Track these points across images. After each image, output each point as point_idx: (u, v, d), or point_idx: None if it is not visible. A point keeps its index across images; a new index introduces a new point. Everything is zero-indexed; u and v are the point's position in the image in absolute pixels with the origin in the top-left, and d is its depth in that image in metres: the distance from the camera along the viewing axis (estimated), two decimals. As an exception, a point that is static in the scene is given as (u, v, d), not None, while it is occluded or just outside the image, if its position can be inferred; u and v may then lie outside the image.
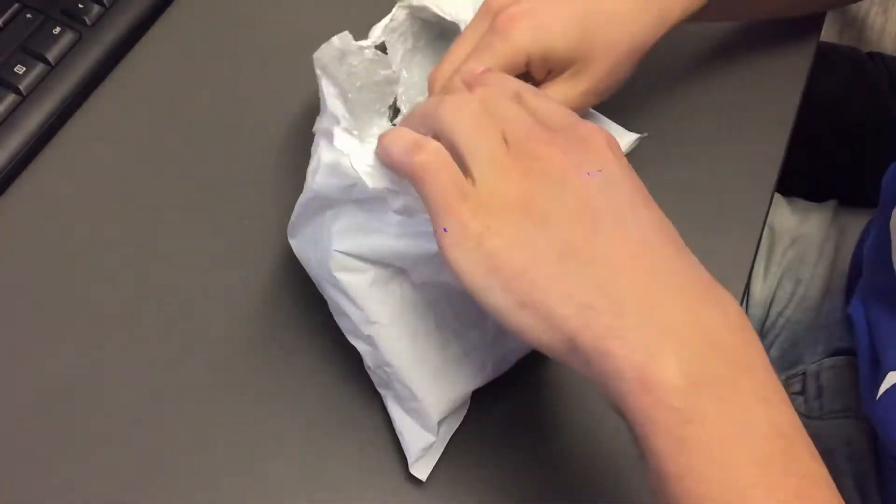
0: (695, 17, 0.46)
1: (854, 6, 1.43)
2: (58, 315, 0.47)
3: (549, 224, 0.32)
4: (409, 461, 0.42)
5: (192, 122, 0.53)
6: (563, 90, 0.42)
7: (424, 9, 0.48)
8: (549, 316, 0.31)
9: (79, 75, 0.52)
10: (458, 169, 0.33)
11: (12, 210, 0.49)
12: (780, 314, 0.61)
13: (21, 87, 0.51)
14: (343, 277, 0.39)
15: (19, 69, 0.51)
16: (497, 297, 0.32)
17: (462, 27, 0.46)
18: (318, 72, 0.39)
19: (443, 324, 0.40)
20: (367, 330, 0.40)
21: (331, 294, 0.41)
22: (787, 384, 0.58)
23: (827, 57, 0.73)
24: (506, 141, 0.34)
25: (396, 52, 0.49)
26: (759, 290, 0.62)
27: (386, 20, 0.47)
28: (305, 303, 0.46)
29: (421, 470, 0.42)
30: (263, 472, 0.43)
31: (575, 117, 0.35)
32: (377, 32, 0.47)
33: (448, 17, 0.47)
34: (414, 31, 0.49)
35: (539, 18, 0.41)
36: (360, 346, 0.41)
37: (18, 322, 0.46)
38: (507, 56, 0.40)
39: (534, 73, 0.42)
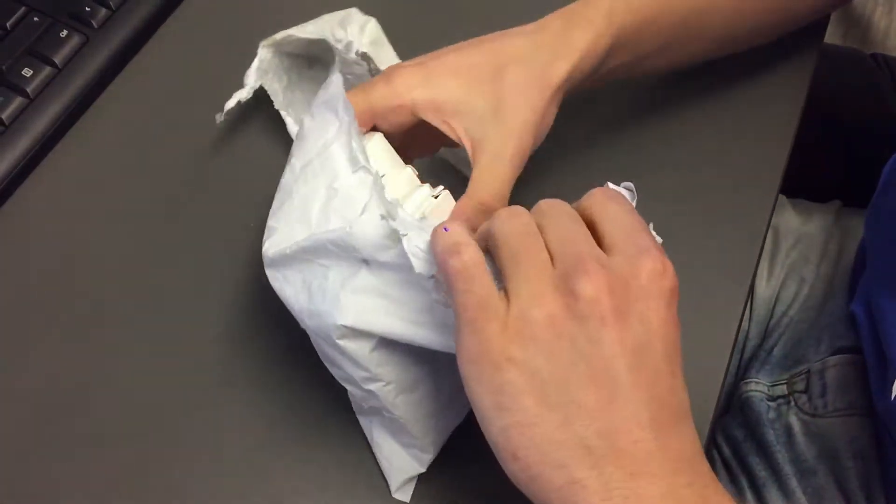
0: (612, 68, 0.45)
1: (860, 6, 1.43)
2: (60, 316, 0.47)
3: (569, 380, 0.30)
4: (392, 487, 0.42)
5: (198, 125, 0.54)
6: (493, 138, 0.40)
7: (288, 39, 0.48)
8: (537, 478, 0.31)
9: (85, 78, 0.53)
10: (492, 282, 0.32)
11: (20, 212, 0.50)
12: (784, 313, 0.62)
13: (28, 90, 0.51)
14: (346, 344, 0.37)
15: (26, 72, 0.51)
16: (495, 433, 0.31)
17: (330, 41, 0.46)
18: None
19: (437, 372, 0.40)
20: (366, 385, 0.39)
21: (324, 348, 0.39)
22: (791, 383, 0.58)
23: (830, 58, 0.73)
24: (553, 263, 0.32)
25: (276, 93, 0.50)
26: (764, 289, 0.63)
27: (255, 63, 0.47)
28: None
29: (404, 494, 0.43)
30: (264, 472, 0.44)
31: (643, 240, 0.33)
32: (251, 79, 0.48)
33: (313, 36, 0.47)
34: (285, 68, 0.49)
35: (427, 68, 0.40)
36: (354, 391, 0.40)
37: (22, 322, 0.47)
38: (388, 98, 0.40)
39: (434, 124, 0.41)
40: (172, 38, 0.56)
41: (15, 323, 0.47)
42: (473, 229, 0.35)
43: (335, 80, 0.39)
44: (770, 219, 0.52)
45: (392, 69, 0.41)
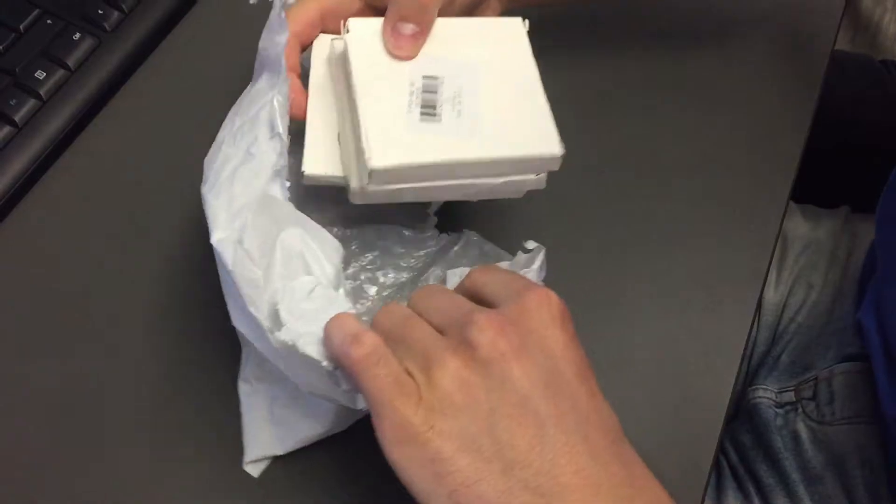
0: None
1: (868, 11, 1.43)
2: (72, 317, 0.47)
3: (495, 428, 0.31)
4: (246, 458, 0.43)
5: (211, 127, 0.54)
6: None
7: None
8: None
9: (98, 80, 0.53)
10: (397, 362, 0.33)
11: (33, 213, 0.50)
12: (791, 320, 0.62)
13: (41, 92, 0.51)
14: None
15: (40, 74, 0.52)
16: (444, 502, 0.31)
17: None
18: None
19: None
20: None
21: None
22: (799, 390, 0.58)
23: (840, 64, 0.73)
24: (441, 334, 0.33)
25: None
26: (772, 295, 0.63)
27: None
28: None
29: (255, 469, 0.43)
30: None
31: (520, 283, 0.34)
32: None
33: None
34: None
35: None
36: (264, 348, 0.39)
37: (31, 325, 0.47)
38: None
39: None
40: (184, 41, 0.57)
41: (26, 325, 0.47)
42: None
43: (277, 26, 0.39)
44: (781, 225, 0.52)
45: None
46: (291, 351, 0.36)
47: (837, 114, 0.69)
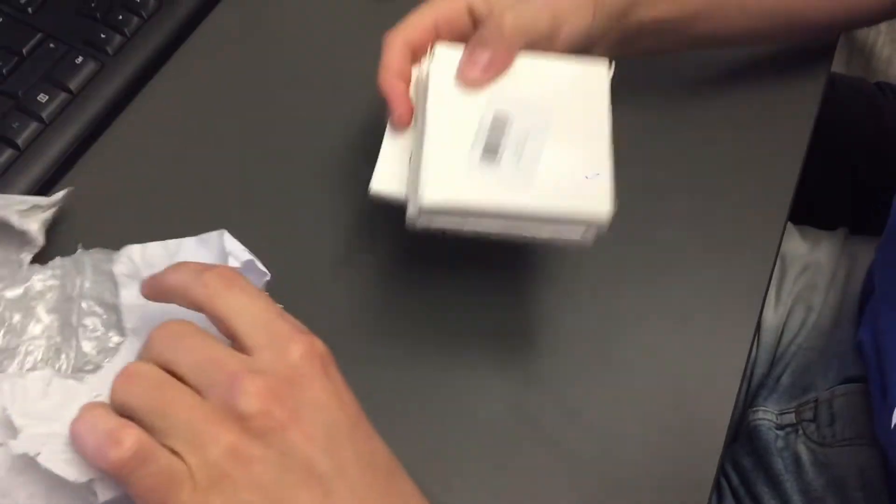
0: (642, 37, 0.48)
1: (862, 35, 1.44)
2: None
3: (281, 497, 0.30)
4: None
5: (213, 151, 0.54)
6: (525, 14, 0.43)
7: None
8: None
9: (100, 104, 0.53)
10: (163, 449, 0.30)
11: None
12: (791, 341, 0.62)
13: (43, 116, 0.52)
14: None
15: (42, 97, 0.52)
16: None
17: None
18: None
19: None
20: None
21: None
22: (799, 411, 0.58)
23: (836, 86, 0.73)
24: (203, 396, 0.30)
25: None
26: (771, 317, 0.63)
27: None
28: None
29: None
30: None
31: (277, 326, 0.32)
32: None
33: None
34: None
35: None
36: None
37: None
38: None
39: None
40: (186, 66, 0.57)
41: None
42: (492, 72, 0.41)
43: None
44: (779, 246, 0.53)
45: None
46: (29, 464, 0.31)
47: (834, 135, 0.69)
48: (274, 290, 0.48)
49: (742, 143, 0.56)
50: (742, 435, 0.61)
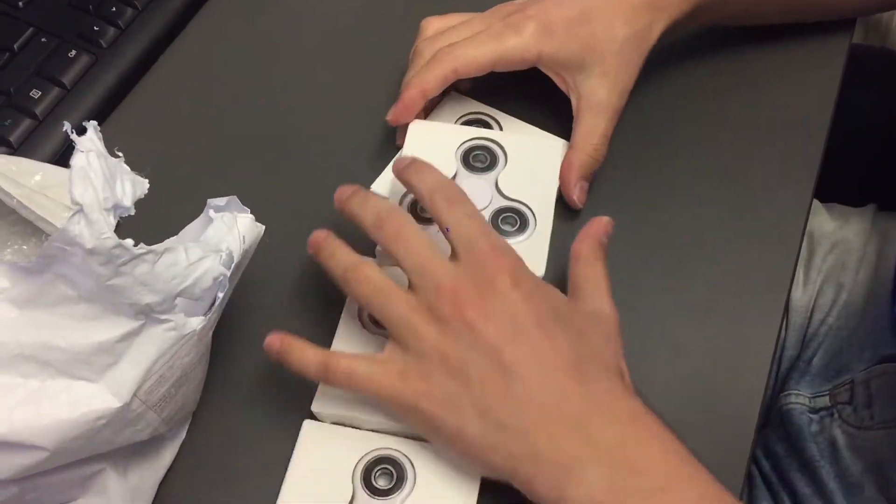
0: (692, 17, 0.50)
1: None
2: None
3: (469, 382, 0.37)
4: None
5: (208, 144, 0.52)
6: (599, 92, 0.47)
7: None
8: (487, 465, 0.38)
9: (94, 98, 0.52)
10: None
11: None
12: (822, 321, 0.59)
13: (37, 112, 0.50)
14: None
15: (35, 93, 0.51)
16: (445, 450, 0.40)
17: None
18: None
19: None
20: None
21: None
22: (833, 394, 0.56)
23: (859, 59, 0.71)
24: (414, 292, 0.38)
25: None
26: (800, 297, 0.60)
27: None
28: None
29: None
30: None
31: (481, 241, 0.39)
32: None
33: None
34: None
35: (548, 24, 0.46)
36: None
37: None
38: (518, 49, 0.46)
39: (549, 75, 0.48)
40: (181, 58, 0.55)
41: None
42: (585, 177, 0.48)
43: None
44: (805, 224, 0.50)
45: (517, 20, 0.46)
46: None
47: (856, 109, 0.67)
48: (281, 272, 0.46)
49: (764, 120, 0.54)
50: (773, 420, 0.59)
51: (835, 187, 0.62)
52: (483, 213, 0.45)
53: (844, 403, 0.55)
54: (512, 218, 0.46)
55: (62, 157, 0.50)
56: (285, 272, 0.48)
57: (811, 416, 0.56)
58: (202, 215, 0.39)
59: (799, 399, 0.57)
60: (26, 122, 0.50)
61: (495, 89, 0.51)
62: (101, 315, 0.34)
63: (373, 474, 0.41)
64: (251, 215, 0.39)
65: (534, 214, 0.46)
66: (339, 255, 0.40)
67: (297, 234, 0.46)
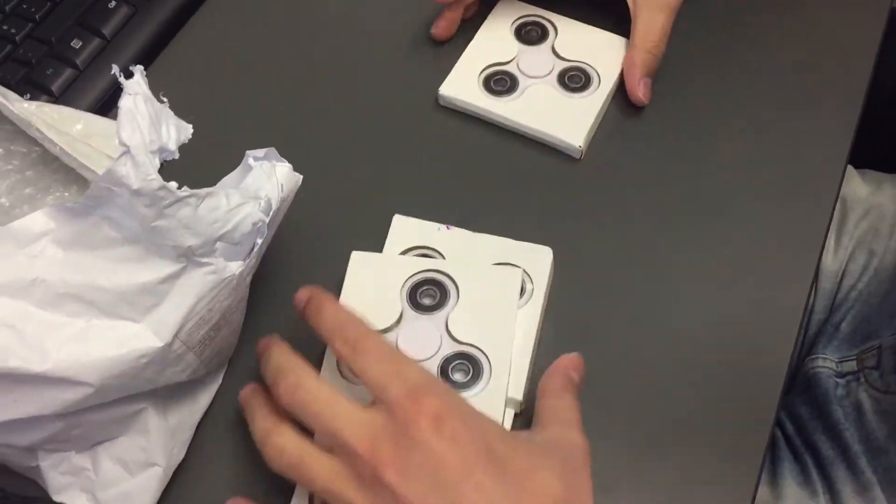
0: None
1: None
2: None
3: None
4: None
5: (246, 98, 0.53)
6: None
7: None
8: None
9: (134, 49, 0.52)
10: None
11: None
12: (852, 287, 0.59)
13: (77, 62, 0.51)
14: None
15: (76, 43, 0.51)
16: None
17: None
18: None
19: None
20: None
21: None
22: (861, 358, 0.56)
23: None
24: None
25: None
26: (830, 262, 0.60)
27: None
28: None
29: None
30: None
31: (395, 383, 0.34)
32: None
33: None
34: None
35: None
36: None
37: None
38: None
39: None
40: (220, 10, 0.56)
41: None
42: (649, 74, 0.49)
43: None
44: (839, 189, 0.50)
45: None
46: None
47: (893, 73, 0.66)
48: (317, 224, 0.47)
49: (800, 83, 0.53)
50: (798, 384, 0.59)
51: (869, 153, 0.62)
52: (431, 361, 0.42)
53: (871, 368, 0.55)
54: (464, 366, 0.42)
55: (102, 106, 0.51)
56: (321, 224, 0.49)
57: (837, 380, 0.56)
58: (241, 164, 0.40)
59: (826, 363, 0.57)
60: (67, 72, 0.51)
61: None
62: (144, 257, 0.35)
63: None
64: (289, 164, 0.39)
65: (489, 361, 0.42)
66: (257, 421, 0.38)
67: (335, 185, 0.47)
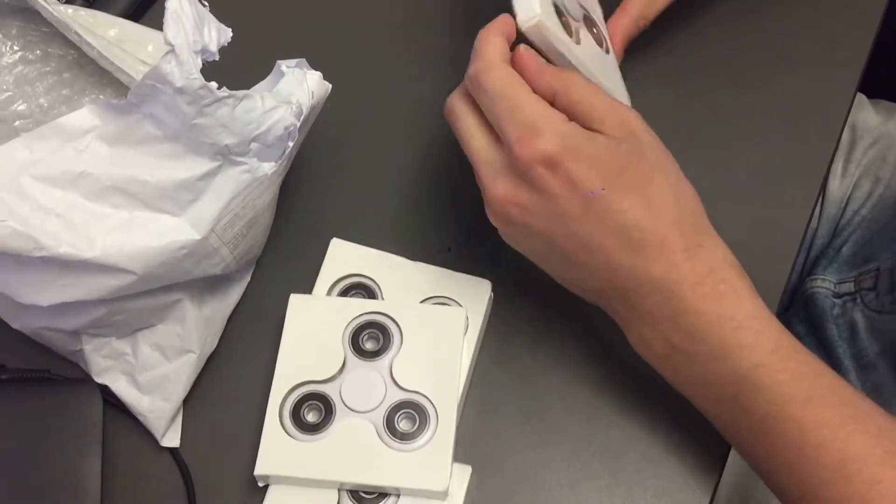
0: None
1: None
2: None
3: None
4: (158, 435, 0.43)
5: (255, 34, 0.54)
6: None
7: None
8: None
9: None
10: None
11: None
12: (856, 212, 0.61)
13: None
14: None
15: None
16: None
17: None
18: None
19: None
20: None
21: None
22: (858, 280, 0.58)
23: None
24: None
25: None
26: (837, 188, 0.62)
27: None
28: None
29: (173, 439, 0.43)
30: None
31: (509, 125, 0.37)
32: None
33: None
34: None
35: None
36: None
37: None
38: None
39: None
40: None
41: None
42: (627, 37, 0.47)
43: None
44: (847, 116, 0.51)
45: None
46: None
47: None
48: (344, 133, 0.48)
49: (812, 11, 0.54)
50: (797, 303, 0.61)
51: (883, 83, 0.63)
52: (376, 412, 0.41)
53: (868, 289, 0.57)
54: (410, 415, 0.41)
55: (134, 13, 0.52)
56: (348, 133, 0.50)
57: (835, 300, 0.58)
58: (273, 71, 0.42)
59: (825, 284, 0.59)
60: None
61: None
62: (184, 154, 0.37)
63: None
64: (320, 73, 0.41)
65: (435, 409, 0.41)
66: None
67: (361, 98, 0.48)
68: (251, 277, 0.47)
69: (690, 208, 0.39)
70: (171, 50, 0.34)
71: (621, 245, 0.37)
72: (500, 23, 0.39)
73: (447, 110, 0.40)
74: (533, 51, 0.40)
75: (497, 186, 0.38)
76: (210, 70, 0.36)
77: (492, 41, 0.38)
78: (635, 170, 0.37)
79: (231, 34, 0.37)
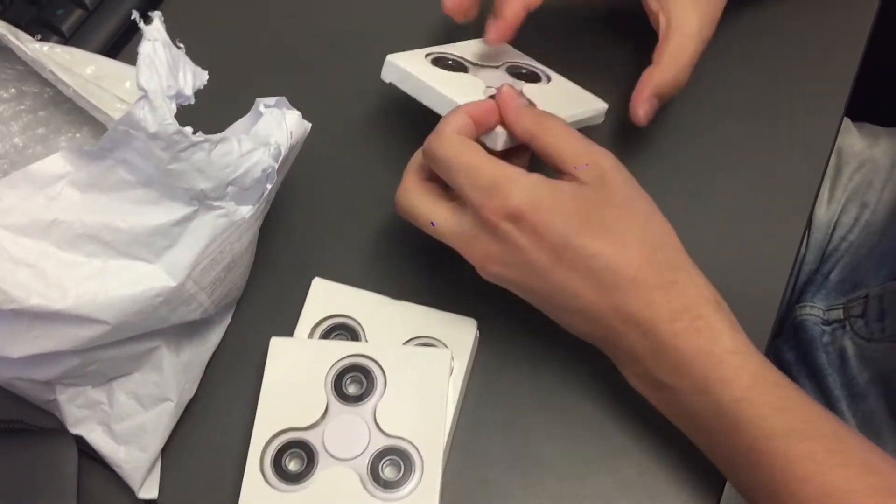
0: None
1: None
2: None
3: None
4: (136, 487, 0.41)
5: (255, 44, 0.53)
6: (691, 15, 0.45)
7: None
8: None
9: (117, 20, 0.52)
10: None
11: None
12: (843, 238, 0.61)
13: (87, 2, 0.51)
14: None
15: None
16: None
17: None
18: None
19: None
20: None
21: None
22: (847, 307, 0.57)
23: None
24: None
25: None
26: (823, 213, 0.61)
27: None
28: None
29: (151, 490, 0.42)
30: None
31: (475, 187, 0.38)
32: None
33: None
34: None
35: None
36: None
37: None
38: None
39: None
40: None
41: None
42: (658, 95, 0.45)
43: None
44: (834, 141, 0.51)
45: None
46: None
47: (892, 28, 0.66)
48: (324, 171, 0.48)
49: (798, 34, 0.54)
50: (786, 330, 0.61)
51: (867, 106, 0.63)
52: (360, 459, 0.40)
53: (857, 317, 0.56)
54: (395, 461, 0.40)
55: (112, 48, 0.51)
56: (328, 171, 0.50)
57: (824, 327, 0.58)
58: (252, 111, 0.41)
59: (814, 311, 0.59)
60: (77, 13, 0.51)
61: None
62: (159, 200, 0.36)
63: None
64: (298, 112, 0.40)
65: (420, 456, 0.40)
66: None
67: (340, 135, 0.47)
68: (231, 320, 0.46)
69: (662, 244, 0.39)
70: (145, 95, 0.33)
71: (595, 287, 0.38)
72: (466, 105, 0.41)
73: (399, 208, 0.41)
74: (515, 90, 0.40)
75: (475, 250, 0.39)
76: (186, 108, 0.36)
77: (450, 117, 0.40)
78: (600, 213, 0.38)
79: (207, 77, 0.36)
